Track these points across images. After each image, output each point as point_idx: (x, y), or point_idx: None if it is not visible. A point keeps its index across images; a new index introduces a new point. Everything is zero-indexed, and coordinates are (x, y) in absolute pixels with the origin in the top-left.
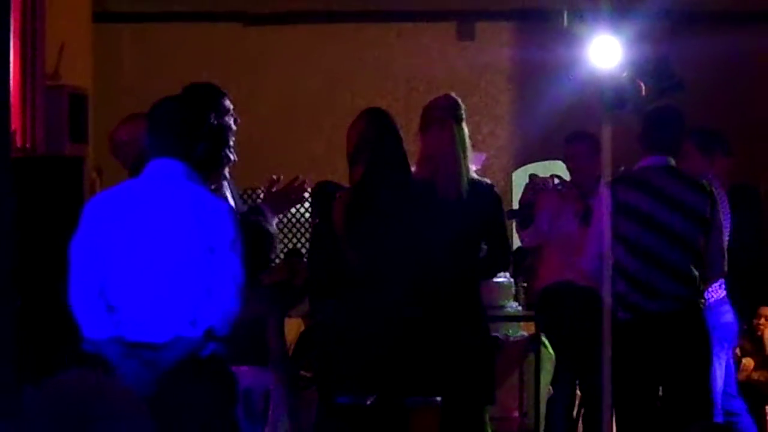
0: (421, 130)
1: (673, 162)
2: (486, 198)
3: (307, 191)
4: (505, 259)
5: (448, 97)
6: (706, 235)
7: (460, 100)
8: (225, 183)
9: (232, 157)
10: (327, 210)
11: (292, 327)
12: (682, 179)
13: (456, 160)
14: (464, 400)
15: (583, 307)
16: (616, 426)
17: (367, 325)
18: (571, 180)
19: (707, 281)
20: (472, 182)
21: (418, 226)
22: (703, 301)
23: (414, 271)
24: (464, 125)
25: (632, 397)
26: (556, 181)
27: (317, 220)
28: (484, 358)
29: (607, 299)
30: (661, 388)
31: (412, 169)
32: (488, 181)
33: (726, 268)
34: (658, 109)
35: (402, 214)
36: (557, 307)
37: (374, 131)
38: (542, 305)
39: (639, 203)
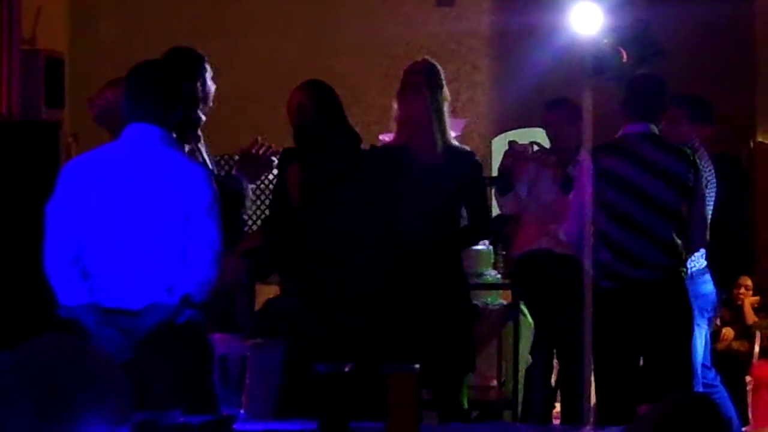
0: (398, 94)
1: (655, 129)
2: (465, 164)
3: (275, 157)
4: (486, 226)
5: (424, 61)
6: (688, 203)
7: (438, 66)
8: (200, 145)
9: (202, 117)
10: (282, 182)
11: (269, 294)
12: (664, 147)
13: (428, 125)
14: (444, 368)
15: (560, 275)
16: (596, 394)
17: (333, 296)
18: (550, 147)
19: (689, 250)
20: (451, 148)
21: (381, 194)
22: (685, 270)
23: (378, 240)
24: (442, 91)
25: (613, 366)
26: (536, 148)
27: (275, 190)
28: (465, 326)
29: (588, 268)
30: (642, 358)
31: (390, 134)
32: (468, 148)
33: (708, 237)
34: (641, 76)
35: (357, 183)
36: (534, 275)
37: (313, 104)
38: (519, 273)
39: (621, 170)
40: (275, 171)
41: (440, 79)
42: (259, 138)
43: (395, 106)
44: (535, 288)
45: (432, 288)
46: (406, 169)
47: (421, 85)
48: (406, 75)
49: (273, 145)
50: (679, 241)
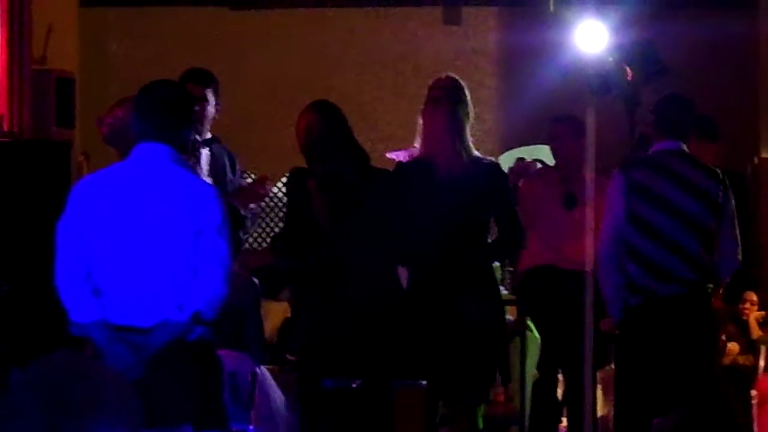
0: (422, 110)
1: (685, 147)
2: (489, 175)
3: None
4: (517, 237)
5: (447, 77)
6: (718, 220)
7: (461, 82)
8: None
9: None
10: (304, 199)
11: (279, 311)
12: (695, 164)
13: (449, 139)
14: (464, 386)
15: (565, 290)
16: (616, 409)
17: (346, 314)
18: (555, 164)
19: (721, 270)
20: (474, 160)
21: (398, 210)
22: (711, 286)
23: (393, 256)
24: (465, 105)
25: (636, 381)
26: (539, 165)
27: (292, 209)
28: (491, 344)
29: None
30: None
31: (399, 152)
32: (493, 159)
33: (740, 257)
34: (670, 96)
35: (372, 199)
36: (539, 291)
37: (321, 125)
38: (524, 288)
39: (653, 185)
40: (277, 189)
41: (463, 94)
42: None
43: (420, 121)
44: (540, 303)
45: (463, 299)
46: (429, 182)
47: (442, 99)
48: (429, 90)
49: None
50: (707, 257)
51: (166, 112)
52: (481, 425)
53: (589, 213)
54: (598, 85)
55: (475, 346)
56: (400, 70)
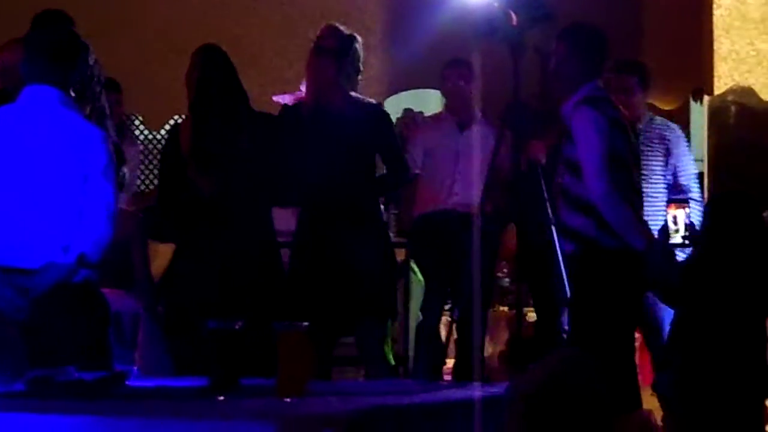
0: (307, 60)
1: None
2: (370, 116)
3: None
4: (402, 173)
5: (333, 28)
6: None
7: (348, 33)
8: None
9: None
10: (174, 135)
11: (167, 252)
12: None
13: (331, 89)
14: (366, 314)
15: (462, 233)
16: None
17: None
18: (446, 106)
19: None
20: (358, 103)
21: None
22: None
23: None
24: (350, 60)
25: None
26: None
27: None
28: (385, 272)
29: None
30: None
31: (285, 96)
32: (373, 101)
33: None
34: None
35: (249, 143)
36: (430, 233)
37: (201, 63)
38: (418, 232)
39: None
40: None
41: (350, 47)
42: None
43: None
44: (430, 246)
45: (351, 236)
46: (313, 125)
47: (326, 51)
48: (317, 41)
49: None
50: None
51: (55, 54)
52: (392, 361)
53: (477, 158)
54: (484, 29)
55: (363, 282)
56: (287, 12)
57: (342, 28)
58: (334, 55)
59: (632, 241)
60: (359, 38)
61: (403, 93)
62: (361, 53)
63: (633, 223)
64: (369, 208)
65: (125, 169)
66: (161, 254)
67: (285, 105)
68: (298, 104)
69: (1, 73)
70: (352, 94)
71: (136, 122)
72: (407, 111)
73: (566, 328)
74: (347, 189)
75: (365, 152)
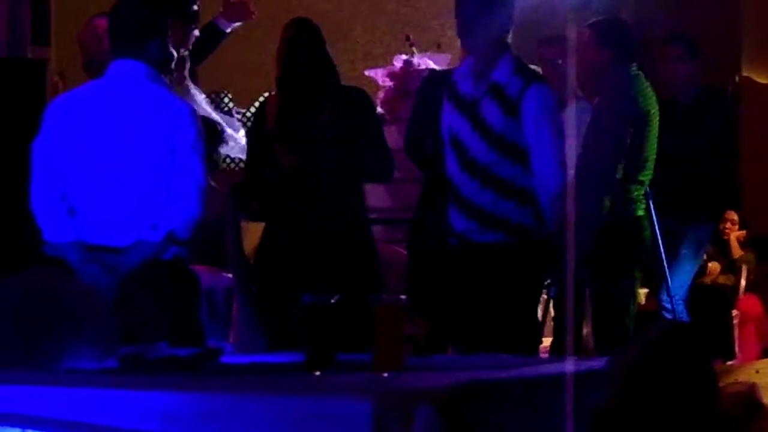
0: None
1: None
2: (356, 102)
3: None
4: (385, 160)
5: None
6: None
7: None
8: (191, 86)
9: (185, 57)
10: (261, 111)
11: (257, 230)
12: None
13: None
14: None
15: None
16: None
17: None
18: None
19: None
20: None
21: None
22: None
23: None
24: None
25: None
26: None
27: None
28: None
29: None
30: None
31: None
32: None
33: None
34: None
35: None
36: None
37: (289, 38)
38: None
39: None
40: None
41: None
42: None
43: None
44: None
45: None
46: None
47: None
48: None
49: None
50: None
51: (139, 28)
52: None
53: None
54: (579, 1)
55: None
56: None
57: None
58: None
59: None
60: None
61: None
62: None
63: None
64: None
65: (223, 150)
66: (252, 232)
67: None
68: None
69: (85, 48)
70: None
71: (225, 99)
72: None
73: (665, 305)
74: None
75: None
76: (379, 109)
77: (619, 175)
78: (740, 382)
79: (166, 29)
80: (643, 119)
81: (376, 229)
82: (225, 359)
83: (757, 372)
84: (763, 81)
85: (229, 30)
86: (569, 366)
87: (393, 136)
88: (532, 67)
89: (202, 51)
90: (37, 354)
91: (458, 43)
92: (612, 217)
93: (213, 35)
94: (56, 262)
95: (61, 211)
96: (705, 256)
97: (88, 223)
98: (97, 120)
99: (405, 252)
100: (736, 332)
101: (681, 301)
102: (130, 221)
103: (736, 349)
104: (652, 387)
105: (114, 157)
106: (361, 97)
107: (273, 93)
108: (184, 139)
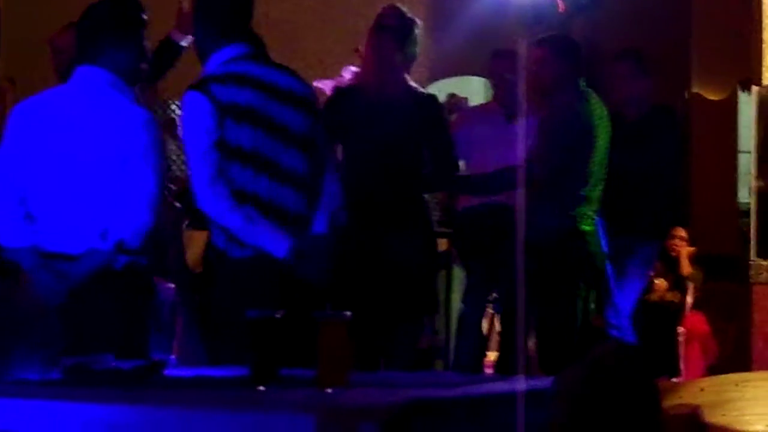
0: (368, 38)
1: None
2: (424, 107)
3: None
4: (447, 171)
5: (397, 8)
6: None
7: (407, 13)
8: None
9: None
10: None
11: (201, 240)
12: None
13: (381, 68)
14: (405, 310)
15: (503, 226)
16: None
17: None
18: (494, 98)
19: None
20: (410, 91)
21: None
22: None
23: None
24: (412, 44)
25: None
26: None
27: None
28: (427, 269)
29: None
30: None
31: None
32: (429, 91)
33: None
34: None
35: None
36: (474, 227)
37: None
38: (459, 226)
39: None
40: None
41: (412, 31)
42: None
43: (361, 48)
44: (478, 240)
45: (394, 231)
46: (365, 111)
47: (391, 29)
48: (380, 18)
49: None
50: None
51: (105, 34)
52: None
53: (525, 150)
54: (530, 17)
55: (401, 280)
56: None
57: (404, 9)
58: (395, 33)
59: None
60: (419, 23)
61: (443, 81)
62: (419, 40)
63: None
64: (414, 206)
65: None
66: (196, 242)
67: (336, 87)
68: (352, 87)
69: (57, 55)
70: (405, 80)
71: (173, 107)
72: (451, 96)
73: (611, 322)
74: (392, 184)
75: (413, 145)
76: None
77: (565, 190)
78: (684, 404)
79: (137, 38)
80: (589, 135)
81: None
82: (169, 372)
83: (702, 390)
84: (712, 98)
85: (184, 43)
86: (520, 385)
87: None
88: (483, 80)
89: (160, 66)
90: None
91: None
92: (558, 232)
93: (169, 49)
94: (10, 268)
95: (18, 216)
96: (652, 273)
97: (45, 229)
98: (58, 125)
99: None
100: (682, 350)
101: (627, 318)
102: (83, 229)
103: (681, 366)
104: (596, 408)
105: (71, 163)
106: (433, 105)
107: None
108: (136, 146)
